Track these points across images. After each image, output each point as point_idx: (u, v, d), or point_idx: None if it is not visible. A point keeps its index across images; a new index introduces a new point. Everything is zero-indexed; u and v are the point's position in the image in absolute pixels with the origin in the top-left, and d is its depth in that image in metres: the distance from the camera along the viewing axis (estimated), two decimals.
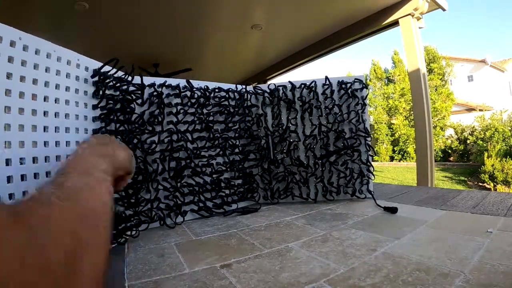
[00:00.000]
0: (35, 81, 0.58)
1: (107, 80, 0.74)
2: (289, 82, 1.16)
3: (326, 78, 1.14)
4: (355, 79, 1.15)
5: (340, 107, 1.13)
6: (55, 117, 0.63)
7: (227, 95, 1.10)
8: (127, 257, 0.63)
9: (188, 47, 4.05)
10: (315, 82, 1.14)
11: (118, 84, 0.76)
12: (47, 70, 0.61)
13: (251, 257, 0.60)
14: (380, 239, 0.66)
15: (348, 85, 1.13)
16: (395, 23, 3.26)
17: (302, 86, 1.15)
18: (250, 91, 1.18)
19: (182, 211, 0.94)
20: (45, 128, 0.60)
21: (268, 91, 1.17)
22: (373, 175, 1.14)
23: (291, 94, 1.15)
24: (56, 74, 0.63)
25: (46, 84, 0.61)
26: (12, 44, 0.53)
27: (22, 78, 0.55)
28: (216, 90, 1.08)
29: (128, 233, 0.73)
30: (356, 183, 1.12)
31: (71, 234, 0.22)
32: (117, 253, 0.66)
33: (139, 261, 0.60)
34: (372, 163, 1.14)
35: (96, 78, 0.73)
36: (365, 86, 1.15)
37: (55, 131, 0.63)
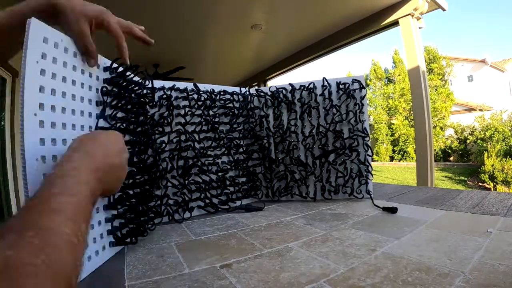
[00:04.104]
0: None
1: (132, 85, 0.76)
2: (289, 84, 1.18)
3: (324, 79, 1.15)
4: (353, 79, 1.15)
5: (338, 107, 1.13)
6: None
7: (231, 98, 1.15)
8: (127, 257, 0.63)
9: (188, 47, 4.05)
10: (314, 83, 1.16)
11: (136, 88, 0.79)
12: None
13: (251, 257, 0.60)
14: (380, 239, 0.66)
15: (347, 85, 1.14)
16: (395, 23, 3.26)
17: (301, 88, 1.17)
18: (253, 94, 1.22)
19: (189, 207, 0.99)
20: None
21: (269, 93, 1.21)
22: (372, 175, 1.14)
23: (291, 96, 1.17)
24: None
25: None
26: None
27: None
28: (222, 93, 1.13)
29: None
30: (355, 183, 1.13)
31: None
32: (117, 253, 0.66)
33: (138, 261, 0.60)
34: (372, 163, 1.15)
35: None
36: (363, 86, 1.15)
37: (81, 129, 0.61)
